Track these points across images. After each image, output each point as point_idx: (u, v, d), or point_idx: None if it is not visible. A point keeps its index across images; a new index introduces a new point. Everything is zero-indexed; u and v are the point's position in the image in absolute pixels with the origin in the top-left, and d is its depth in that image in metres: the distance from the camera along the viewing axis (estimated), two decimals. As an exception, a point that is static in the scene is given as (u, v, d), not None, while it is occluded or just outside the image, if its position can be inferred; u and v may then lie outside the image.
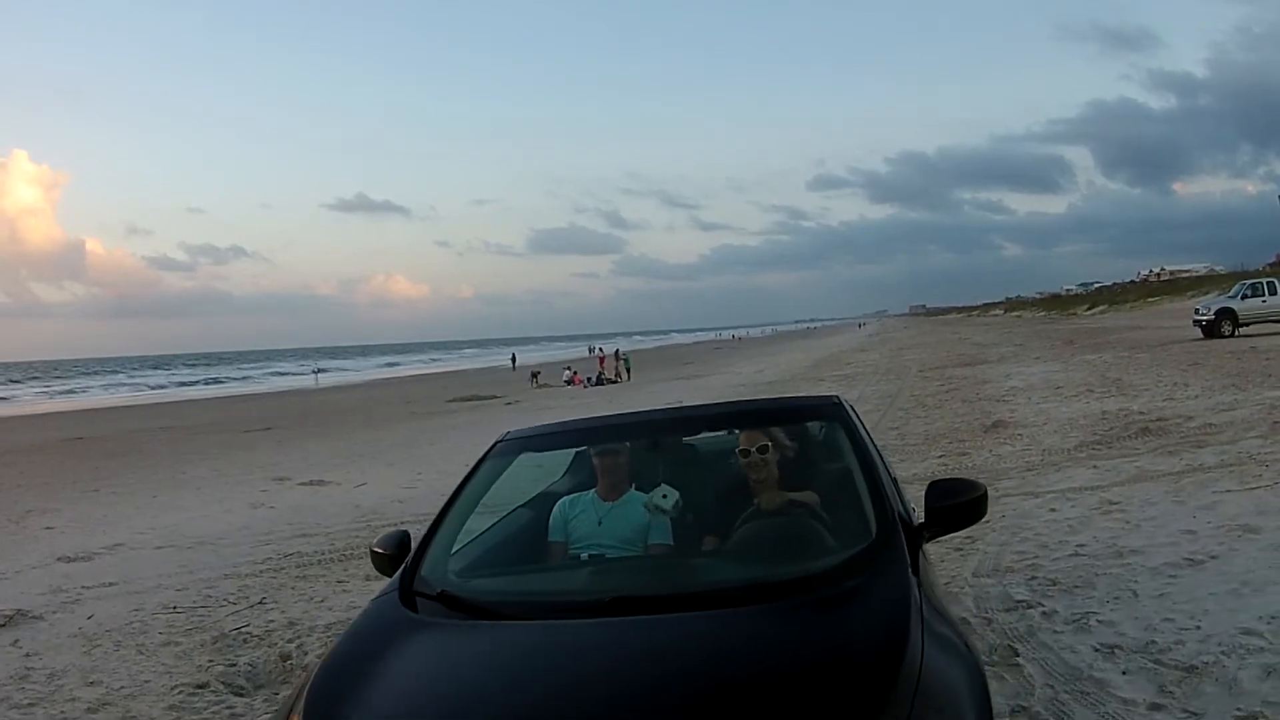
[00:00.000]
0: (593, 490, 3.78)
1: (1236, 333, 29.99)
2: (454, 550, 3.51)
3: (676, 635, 2.65)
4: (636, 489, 3.76)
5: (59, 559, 9.20)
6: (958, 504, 3.23)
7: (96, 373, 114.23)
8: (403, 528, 3.70)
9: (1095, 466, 9.55)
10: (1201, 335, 30.37)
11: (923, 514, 3.39)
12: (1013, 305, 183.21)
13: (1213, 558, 6.04)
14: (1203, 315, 31.49)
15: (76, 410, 45.66)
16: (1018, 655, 4.71)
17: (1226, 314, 30.76)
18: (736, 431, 4.02)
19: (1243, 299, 31.65)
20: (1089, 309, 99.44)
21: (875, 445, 3.59)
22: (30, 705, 5.28)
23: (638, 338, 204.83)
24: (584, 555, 3.57)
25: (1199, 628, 4.87)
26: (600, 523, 3.61)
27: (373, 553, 3.58)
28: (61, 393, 69.40)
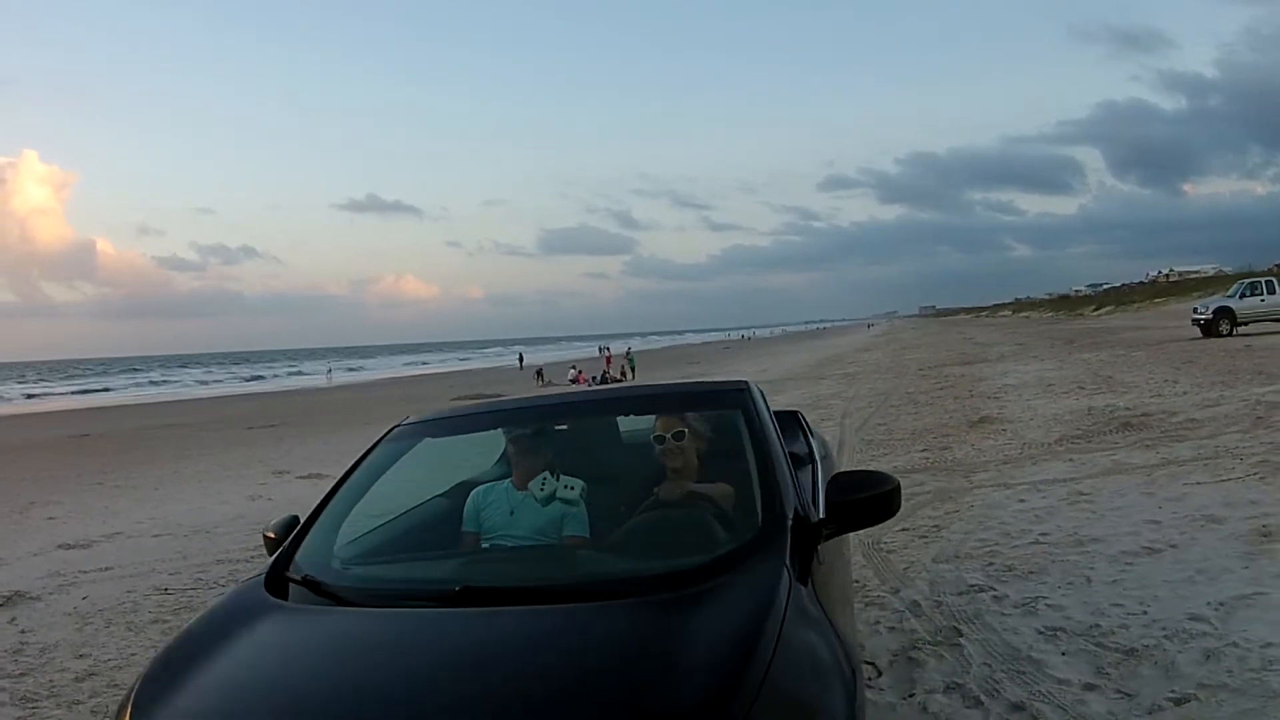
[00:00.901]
0: (509, 479, 3.55)
1: (1234, 331, 29.90)
2: (355, 536, 3.39)
3: (503, 629, 2.51)
4: (556, 477, 3.50)
5: (59, 546, 9.37)
6: (861, 500, 2.92)
7: (106, 372, 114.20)
8: (295, 513, 3.54)
9: (1072, 460, 9.57)
10: (1200, 334, 30.30)
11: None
12: (1021, 306, 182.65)
13: (1172, 546, 6.08)
14: (1201, 314, 31.40)
15: (84, 408, 45.81)
16: (961, 636, 4.76)
17: (1224, 313, 30.66)
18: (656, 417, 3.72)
19: (1241, 298, 31.54)
20: (1096, 310, 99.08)
21: (779, 434, 3.31)
22: (22, 675, 5.53)
23: (653, 338, 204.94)
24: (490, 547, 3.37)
25: (1146, 613, 4.91)
26: (513, 513, 3.38)
27: (264, 537, 3.45)
28: (72, 392, 69.35)
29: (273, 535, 3.37)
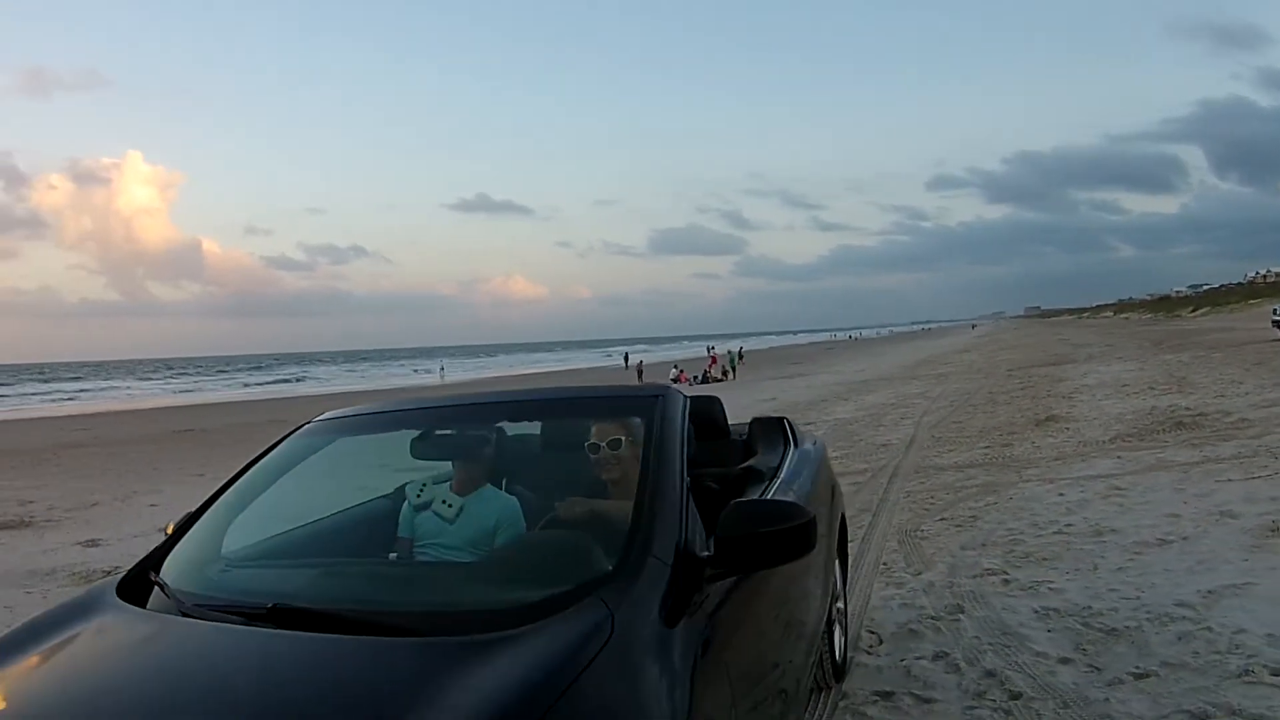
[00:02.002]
0: (449, 482, 3.02)
1: (1315, 334, 28.28)
2: (273, 535, 3.02)
3: (272, 655, 2.10)
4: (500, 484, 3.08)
5: (158, 529, 10.09)
6: (758, 535, 2.29)
7: (213, 370, 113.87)
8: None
9: (1119, 457, 9.43)
10: (1280, 336, 28.84)
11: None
12: (1122, 307, 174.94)
13: (1183, 539, 6.07)
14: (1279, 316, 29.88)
15: (190, 405, 46.18)
16: (962, 612, 4.92)
17: (1303, 315, 29.08)
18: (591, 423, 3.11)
19: (1321, 300, 29.82)
20: (1193, 311, 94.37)
21: (684, 452, 2.66)
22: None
23: (768, 338, 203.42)
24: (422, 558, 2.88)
25: (1139, 598, 4.98)
26: (451, 521, 2.89)
27: (164, 533, 2.96)
28: (179, 390, 68.95)
29: (171, 530, 2.91)
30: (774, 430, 4.23)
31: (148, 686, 2.03)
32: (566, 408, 3.34)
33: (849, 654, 4.44)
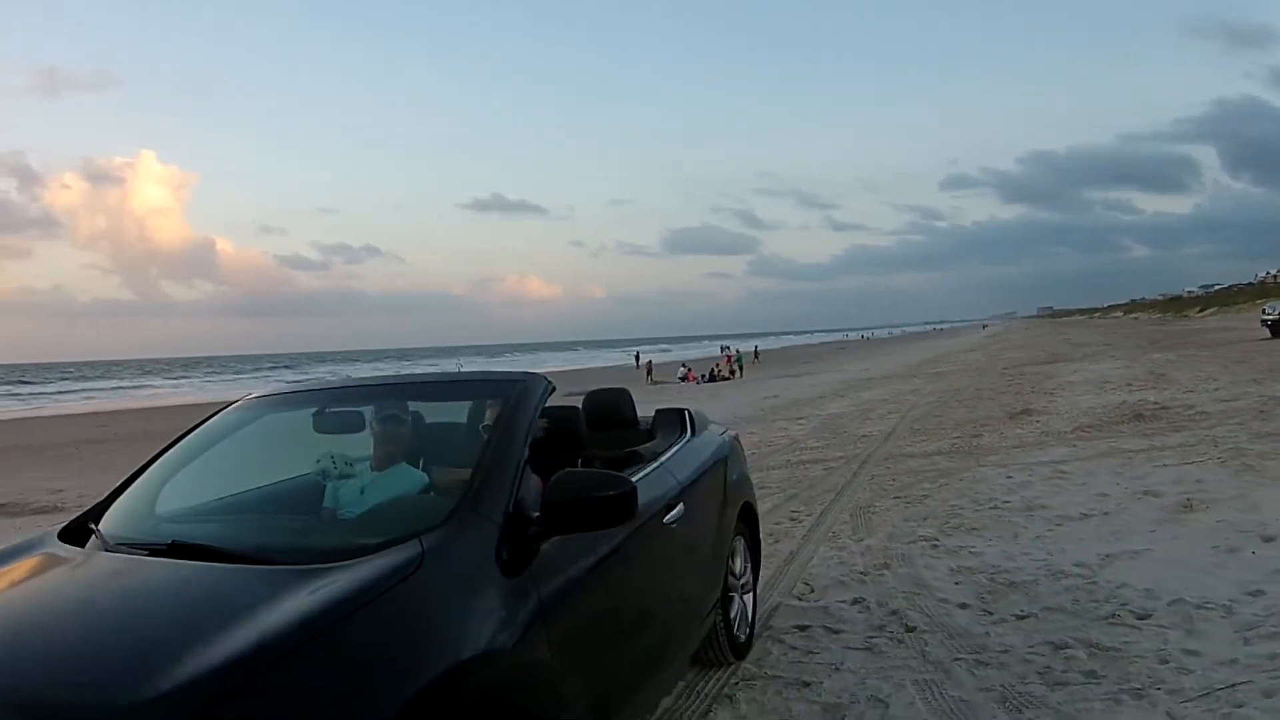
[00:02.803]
0: (370, 459, 3.29)
1: (1303, 333, 28.78)
2: (209, 500, 3.29)
3: (140, 579, 2.45)
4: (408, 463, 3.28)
5: None
6: (581, 500, 2.61)
7: (232, 369, 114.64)
8: None
9: (1075, 445, 10.08)
10: (1269, 335, 29.30)
11: None
12: (1133, 308, 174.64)
13: (1104, 514, 6.73)
14: (1269, 315, 30.38)
15: (206, 402, 47.34)
16: (887, 569, 5.63)
17: (1293, 314, 29.59)
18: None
19: (1310, 300, 30.32)
20: (1200, 311, 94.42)
21: (529, 429, 2.96)
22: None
23: (786, 337, 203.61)
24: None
25: (1045, 560, 5.65)
26: (363, 491, 3.13)
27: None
28: (197, 387, 69.82)
29: (112, 493, 3.25)
30: (674, 420, 4.53)
31: (31, 597, 2.46)
32: (446, 389, 3.70)
33: (754, 633, 4.62)
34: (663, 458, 3.90)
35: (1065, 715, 3.53)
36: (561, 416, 3.71)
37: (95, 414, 41.28)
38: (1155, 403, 13.21)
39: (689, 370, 43.23)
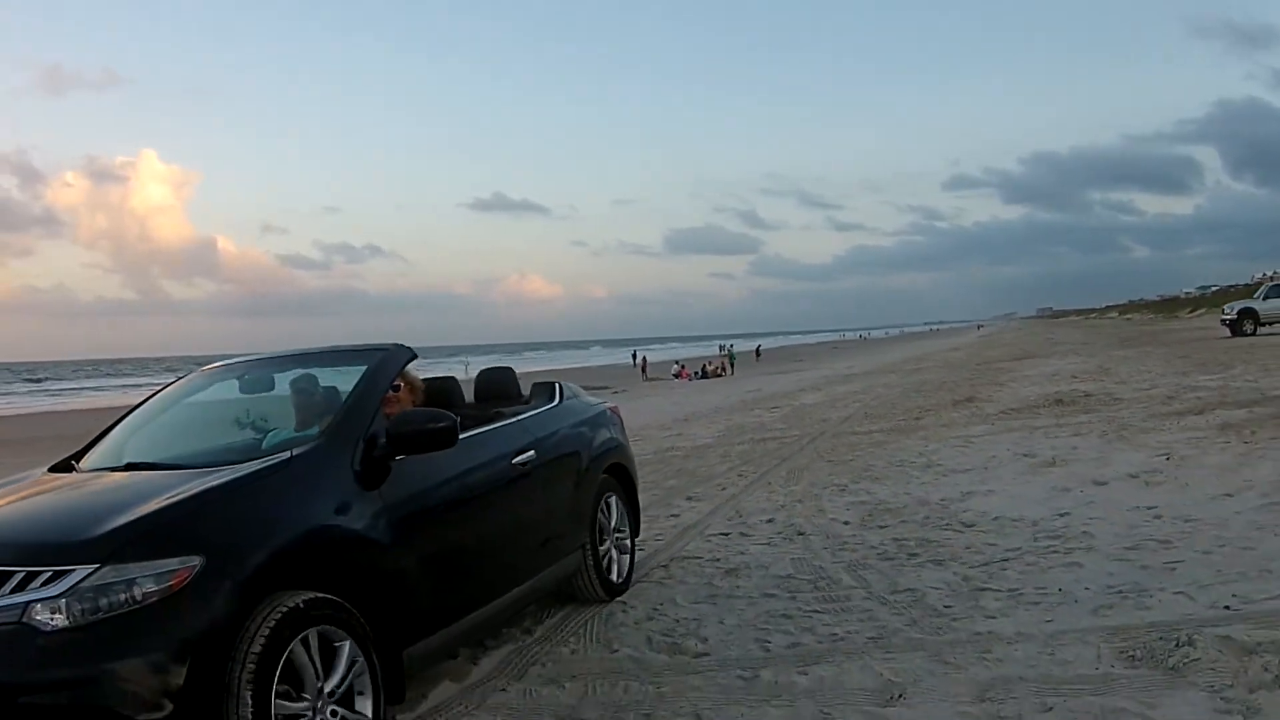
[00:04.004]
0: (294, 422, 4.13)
1: (1257, 331, 30.52)
2: (153, 442, 4.24)
3: (104, 484, 3.58)
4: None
5: None
6: (412, 430, 3.58)
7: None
8: None
9: (994, 424, 11.89)
10: (1229, 333, 30.94)
11: None
12: (1128, 309, 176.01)
13: (984, 468, 8.55)
14: (1228, 315, 32.14)
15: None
16: (800, 503, 7.50)
17: (1248, 314, 31.39)
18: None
19: (1265, 299, 32.09)
20: (1191, 312, 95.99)
21: (383, 384, 3.98)
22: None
23: (793, 336, 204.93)
24: None
25: (921, 497, 7.45)
26: (226, 449, 4.00)
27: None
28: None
29: (90, 443, 4.35)
30: (546, 390, 5.37)
31: (24, 497, 3.51)
32: (333, 358, 4.50)
33: (629, 579, 5.44)
34: (522, 416, 4.81)
35: (885, 573, 5.36)
36: (441, 386, 4.90)
37: (118, 407, 43.19)
38: (1084, 392, 15.00)
39: (683, 367, 45.06)
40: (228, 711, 2.72)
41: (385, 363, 4.08)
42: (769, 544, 6.23)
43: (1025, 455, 9.08)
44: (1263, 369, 16.00)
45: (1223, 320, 32.46)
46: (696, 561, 5.91)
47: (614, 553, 5.35)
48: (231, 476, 3.20)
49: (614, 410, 5.79)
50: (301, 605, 2.94)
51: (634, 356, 68.81)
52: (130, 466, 3.75)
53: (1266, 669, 3.43)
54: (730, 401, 21.69)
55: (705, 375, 42.44)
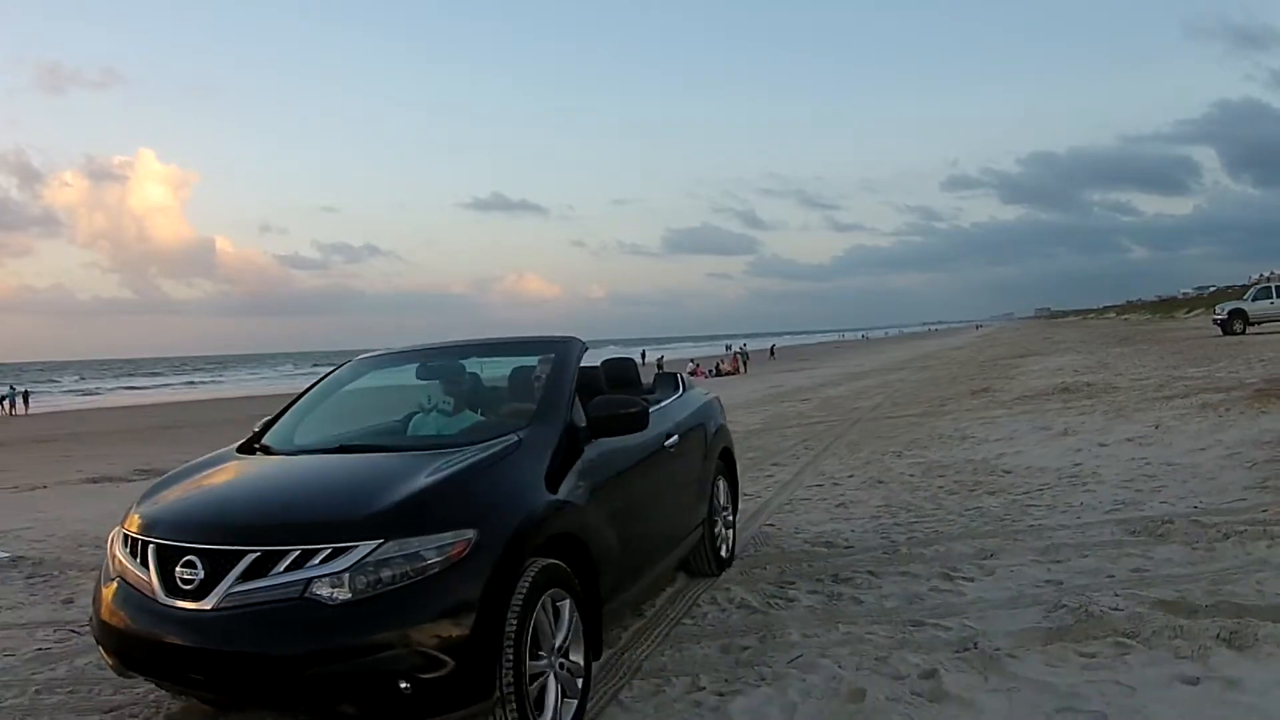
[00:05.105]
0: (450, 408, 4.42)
1: (1247, 330, 32.20)
2: (320, 429, 4.44)
3: (330, 465, 3.75)
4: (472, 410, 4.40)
5: None
6: (611, 416, 3.92)
7: (224, 367, 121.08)
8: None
9: (1010, 408, 13.90)
10: (1220, 332, 32.61)
11: None
12: (1126, 309, 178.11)
13: (1010, 438, 10.56)
14: (1219, 315, 33.94)
15: (258, 395, 48.99)
16: (869, 464, 9.57)
17: (1238, 314, 33.20)
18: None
19: (1254, 300, 33.92)
20: (1187, 312, 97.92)
21: (574, 374, 4.26)
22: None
23: (798, 336, 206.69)
24: None
25: (965, 458, 9.49)
26: (439, 432, 4.23)
27: (253, 430, 4.49)
28: (240, 381, 75.59)
29: (258, 429, 4.47)
30: (670, 380, 5.83)
31: (239, 484, 3.74)
32: (514, 347, 4.98)
33: (733, 553, 5.96)
34: (663, 403, 5.21)
35: (955, 501, 7.38)
36: (588, 375, 4.85)
37: (151, 405, 45.19)
38: (1086, 383, 17.04)
39: (697, 366, 47.01)
40: (499, 671, 3.00)
41: (573, 351, 4.47)
42: (859, 489, 8.27)
43: (1042, 429, 11.12)
44: (1245, 363, 18.03)
45: (1214, 320, 34.28)
46: (806, 502, 7.94)
47: (723, 530, 5.81)
48: (478, 456, 3.49)
49: (717, 399, 6.33)
50: (545, 570, 3.25)
51: (642, 355, 69.87)
52: (343, 450, 4.00)
53: (1220, 532, 5.56)
54: (758, 396, 23.67)
55: (719, 373, 44.04)
